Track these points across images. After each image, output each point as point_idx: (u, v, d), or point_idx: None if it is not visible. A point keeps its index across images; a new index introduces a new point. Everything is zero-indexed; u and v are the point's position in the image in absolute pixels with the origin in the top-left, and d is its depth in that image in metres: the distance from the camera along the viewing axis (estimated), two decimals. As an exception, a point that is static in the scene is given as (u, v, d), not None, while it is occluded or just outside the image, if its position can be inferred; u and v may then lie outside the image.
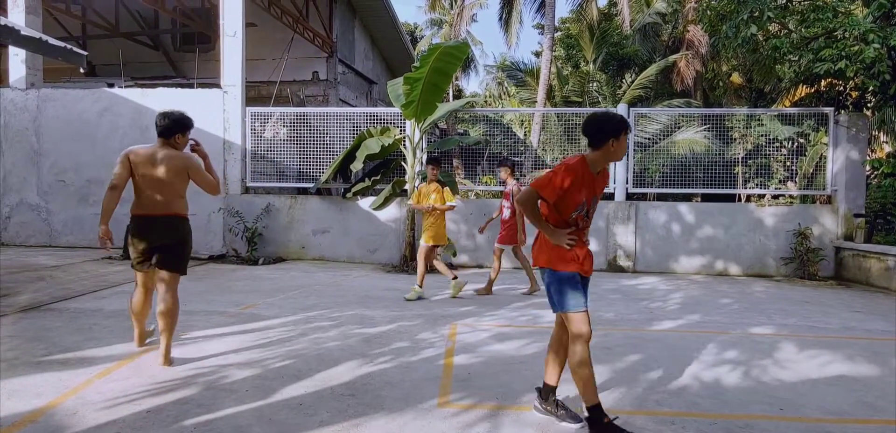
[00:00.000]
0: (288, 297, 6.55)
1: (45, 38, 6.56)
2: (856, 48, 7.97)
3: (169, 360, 3.94)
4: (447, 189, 6.87)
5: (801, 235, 8.91)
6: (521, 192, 2.99)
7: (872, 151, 13.48)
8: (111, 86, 11.20)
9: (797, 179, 9.87)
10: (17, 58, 10.64)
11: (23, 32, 6.47)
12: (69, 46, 6.99)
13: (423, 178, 7.61)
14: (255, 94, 13.19)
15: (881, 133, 14.84)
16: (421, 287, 6.63)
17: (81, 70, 9.13)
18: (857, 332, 5.37)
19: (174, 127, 4.10)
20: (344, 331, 5.04)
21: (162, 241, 4.00)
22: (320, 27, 13.91)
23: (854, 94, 9.40)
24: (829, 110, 9.20)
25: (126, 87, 11.28)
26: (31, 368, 3.82)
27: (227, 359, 4.11)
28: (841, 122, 9.07)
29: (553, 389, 3.23)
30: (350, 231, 9.91)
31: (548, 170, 11.50)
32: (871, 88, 8.57)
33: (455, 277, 6.75)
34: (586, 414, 3.00)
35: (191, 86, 11.84)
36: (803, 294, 7.53)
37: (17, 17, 10.26)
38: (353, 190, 9.72)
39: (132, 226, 4.06)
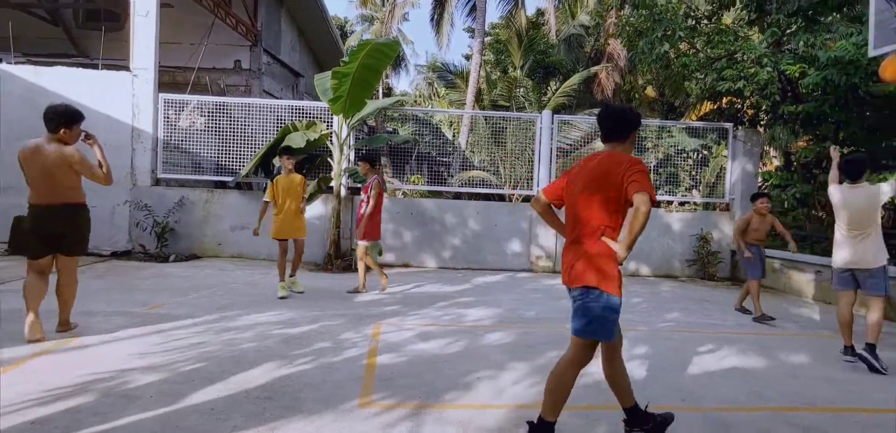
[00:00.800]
0: (201, 296, 6.18)
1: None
2: (752, 70, 8.77)
3: (70, 325, 4.43)
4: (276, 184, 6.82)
5: (702, 240, 9.67)
6: (647, 199, 2.47)
7: (764, 165, 14.89)
8: (-1, 61, 10.04)
9: (701, 188, 10.71)
10: None
11: None
12: (-55, 13, 6.19)
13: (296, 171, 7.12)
14: (170, 79, 12.35)
15: (771, 148, 16.43)
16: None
17: (-39, 41, 8.11)
18: (749, 329, 5.90)
19: (57, 120, 4.23)
20: (262, 331, 4.83)
21: (60, 229, 4.25)
22: (244, 14, 13.27)
23: (750, 111, 10.34)
24: (728, 125, 10.05)
25: (16, 63, 10.15)
26: None
27: (129, 363, 3.81)
28: (738, 136, 9.94)
29: (634, 407, 2.97)
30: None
31: (475, 171, 11.49)
32: (763, 107, 9.46)
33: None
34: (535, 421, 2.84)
35: (95, 66, 10.86)
36: (703, 293, 8.17)
37: None
38: (276, 185, 9.33)
39: (30, 216, 4.25)
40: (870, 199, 4.51)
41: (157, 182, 9.49)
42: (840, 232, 4.67)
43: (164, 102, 9.54)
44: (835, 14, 8.90)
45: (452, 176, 11.94)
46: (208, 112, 9.82)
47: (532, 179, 10.10)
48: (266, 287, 7.04)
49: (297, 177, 6.76)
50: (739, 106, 10.40)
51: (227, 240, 9.46)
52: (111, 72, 9.55)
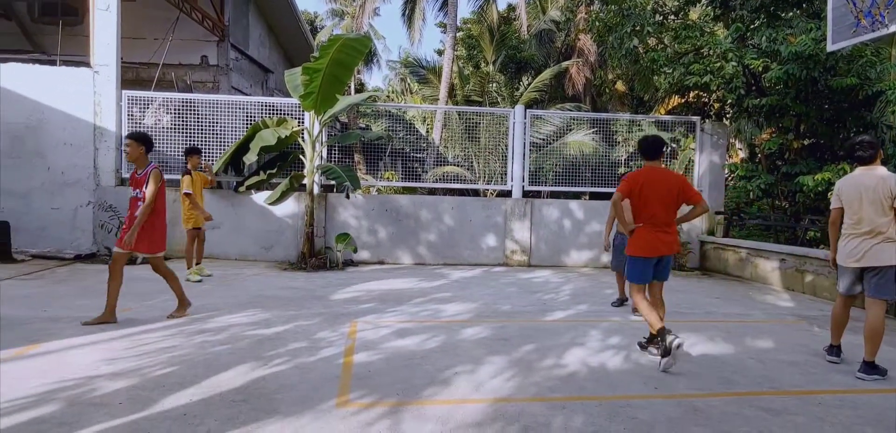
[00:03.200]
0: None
1: None
2: (718, 64, 9.00)
3: None
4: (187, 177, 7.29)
5: (672, 231, 9.88)
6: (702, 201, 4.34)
7: (730, 157, 15.33)
8: (-52, 57, 9.54)
9: (670, 180, 10.97)
10: None
11: None
12: None
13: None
14: (134, 76, 11.95)
15: (737, 140, 16.90)
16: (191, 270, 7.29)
17: None
18: (717, 316, 6.07)
19: None
20: (235, 333, 4.73)
21: None
22: (210, 9, 12.93)
23: (716, 105, 10.61)
24: (696, 119, 10.30)
25: (-32, 59, 9.66)
26: None
27: (96, 370, 3.68)
28: (705, 129, 10.19)
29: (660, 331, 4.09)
30: (243, 227, 9.34)
31: (449, 166, 11.54)
32: (729, 101, 9.72)
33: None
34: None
35: (53, 63, 10.43)
36: (673, 283, 8.36)
37: None
38: (247, 183, 9.16)
39: None
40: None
41: (122, 182, 9.19)
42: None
43: (128, 99, 9.24)
44: (795, 10, 9.20)
45: (427, 172, 11.92)
46: (174, 109, 9.55)
47: (506, 174, 10.16)
48: (239, 287, 6.90)
49: (203, 174, 7.74)
50: (706, 100, 10.67)
51: (197, 240, 9.22)
52: (70, 68, 9.18)
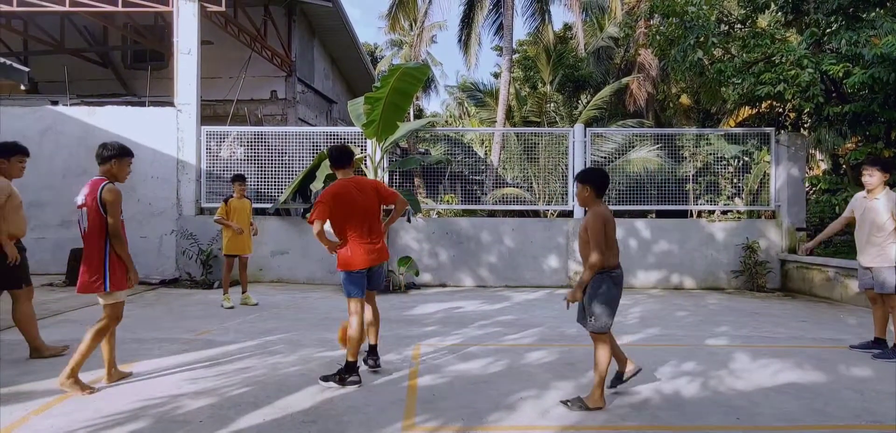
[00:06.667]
0: (245, 322, 6.33)
1: (-19, 53, 6.20)
2: (792, 72, 8.48)
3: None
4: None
5: (748, 249, 9.32)
6: None
7: (810, 169, 14.32)
8: (55, 103, 10.66)
9: (744, 195, 10.36)
10: (-51, 74, 9.99)
11: (-44, 47, 6.08)
12: (10, 62, 6.63)
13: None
14: (211, 112, 12.84)
15: (817, 151, 15.78)
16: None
17: (22, 87, 8.65)
18: (805, 341, 5.63)
19: None
20: (304, 355, 4.90)
21: None
22: (279, 46, 13.73)
23: (792, 115, 9.98)
24: (770, 130, 9.73)
25: (71, 104, 10.76)
26: (-39, 407, 3.53)
27: (180, 389, 3.92)
28: (781, 141, 9.60)
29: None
30: (310, 252, 9.70)
31: (509, 188, 11.53)
32: (806, 110, 9.12)
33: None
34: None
35: (143, 104, 11.40)
36: (753, 305, 7.86)
37: (-50, 30, 9.66)
38: (314, 210, 9.53)
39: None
40: None
41: (201, 211, 9.83)
42: None
43: (206, 134, 9.92)
44: (877, 9, 8.54)
45: (486, 194, 11.93)
46: (247, 142, 10.15)
47: (567, 194, 9.99)
48: (308, 310, 7.15)
49: (247, 202, 7.61)
50: (780, 110, 10.05)
51: (268, 265, 9.68)
52: (157, 108, 10.01)
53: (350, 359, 4.04)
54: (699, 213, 10.34)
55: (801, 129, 9.90)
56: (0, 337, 5.38)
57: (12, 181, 4.64)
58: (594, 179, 3.72)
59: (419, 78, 8.25)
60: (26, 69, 6.87)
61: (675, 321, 6.55)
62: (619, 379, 3.90)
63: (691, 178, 10.33)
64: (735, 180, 10.43)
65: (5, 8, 10.16)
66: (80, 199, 3.91)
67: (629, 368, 3.85)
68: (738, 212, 10.07)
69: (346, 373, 4.00)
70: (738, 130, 10.47)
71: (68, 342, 5.03)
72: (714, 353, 5.03)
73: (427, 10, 21.25)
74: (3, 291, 4.66)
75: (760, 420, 3.46)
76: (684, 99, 19.23)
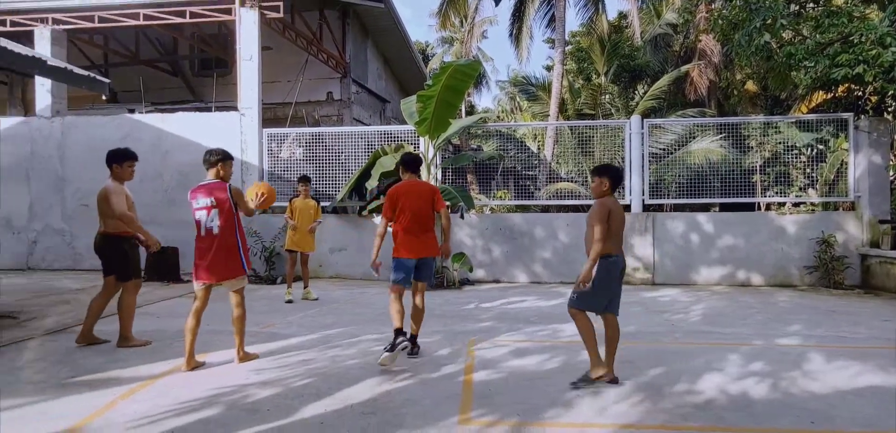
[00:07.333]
0: (306, 316, 6.58)
1: (69, 67, 6.76)
2: (874, 52, 7.85)
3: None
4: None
5: (824, 243, 8.73)
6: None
7: (895, 156, 13.23)
8: (132, 111, 11.46)
9: (818, 186, 9.71)
10: (43, 87, 10.96)
11: (49, 62, 6.67)
12: (92, 75, 7.19)
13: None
14: (271, 115, 13.39)
15: (903, 137, 14.55)
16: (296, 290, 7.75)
17: (104, 97, 9.38)
18: (888, 342, 5.23)
19: (107, 160, 5.16)
20: (363, 348, 5.04)
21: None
22: (334, 48, 14.12)
23: (873, 98, 9.25)
24: (848, 116, 9.06)
25: (146, 112, 11.53)
26: (58, 390, 3.88)
27: (248, 379, 4.14)
28: (861, 127, 8.92)
29: None
30: (366, 249, 9.94)
31: (562, 182, 11.40)
32: (891, 92, 8.43)
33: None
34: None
35: (209, 109, 12.06)
36: (829, 303, 7.36)
37: (43, 48, 10.58)
38: (369, 207, 9.78)
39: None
40: None
41: (264, 210, 10.28)
42: None
43: (268, 136, 10.36)
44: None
45: (539, 189, 11.81)
46: (305, 142, 10.52)
47: (624, 188, 9.73)
48: (365, 305, 7.34)
49: (312, 202, 7.89)
50: (860, 93, 9.34)
51: (327, 261, 10.01)
52: (222, 113, 10.57)
53: (397, 325, 4.53)
54: (768, 206, 9.80)
55: (885, 114, 9.16)
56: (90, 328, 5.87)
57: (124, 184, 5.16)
58: (611, 174, 3.99)
59: (470, 74, 8.27)
60: (107, 80, 7.43)
61: (741, 319, 6.25)
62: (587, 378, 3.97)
63: (759, 168, 9.80)
64: (808, 170, 9.80)
65: (88, 25, 11.01)
66: (203, 203, 4.37)
67: (599, 373, 3.93)
68: (812, 204, 9.46)
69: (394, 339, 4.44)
70: (812, 117, 9.83)
71: (151, 336, 5.42)
72: (785, 353, 4.77)
73: (477, 6, 21.24)
74: (115, 283, 5.15)
75: (838, 424, 3.25)
76: (750, 85, 18.22)
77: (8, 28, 10.78)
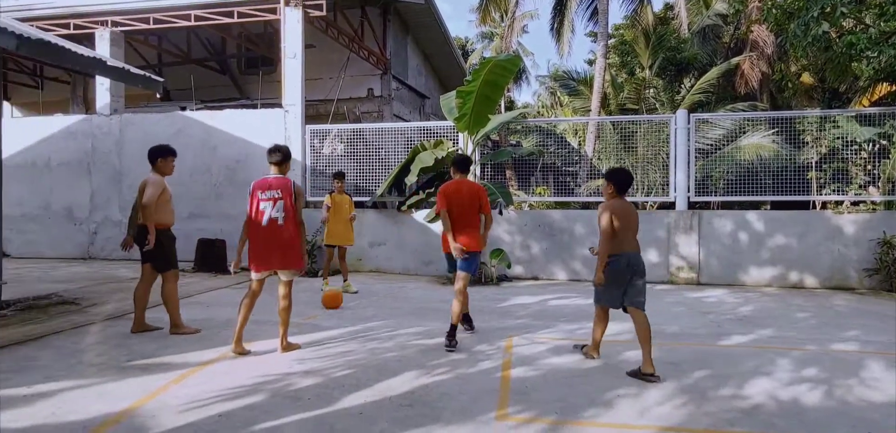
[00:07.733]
0: (346, 308, 6.71)
1: (127, 67, 7.11)
2: (945, 41, 7.34)
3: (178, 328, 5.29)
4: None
5: (886, 244, 8.22)
6: None
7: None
8: (183, 109, 11.96)
9: (880, 184, 9.14)
10: (102, 86, 11.57)
11: (109, 63, 7.04)
12: (148, 74, 7.54)
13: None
14: (314, 112, 13.68)
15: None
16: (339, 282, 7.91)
17: (158, 95, 9.82)
18: (957, 350, 4.89)
19: (149, 155, 5.44)
20: (401, 341, 5.11)
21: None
22: (375, 45, 14.29)
23: (944, 90, 8.64)
24: (915, 109, 8.49)
25: (196, 109, 12.00)
26: (117, 373, 4.11)
27: (291, 368, 4.26)
28: (930, 121, 8.35)
29: None
30: (405, 243, 10.04)
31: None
32: (964, 83, 7.85)
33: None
34: None
35: (255, 106, 12.45)
36: (891, 308, 6.94)
37: (102, 49, 11.17)
38: (408, 203, 9.87)
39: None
40: None
41: (306, 204, 10.53)
42: None
43: (310, 133, 10.61)
44: None
45: (580, 185, 11.62)
46: (347, 138, 10.71)
47: (668, 184, 9.45)
48: (404, 299, 7.43)
49: (346, 196, 8.11)
50: (929, 84, 8.74)
51: (367, 255, 10.17)
52: (267, 109, 10.89)
53: (455, 321, 4.96)
54: (823, 204, 9.32)
55: (956, 106, 8.54)
56: (146, 314, 6.17)
57: (165, 178, 5.39)
58: (615, 178, 4.34)
59: (510, 69, 8.22)
60: (161, 79, 7.78)
61: (792, 322, 5.98)
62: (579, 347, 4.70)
63: (814, 165, 9.31)
64: (869, 167, 9.25)
65: (144, 26, 11.54)
66: (270, 195, 4.55)
67: (590, 352, 4.54)
68: (873, 202, 8.94)
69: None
70: (874, 110, 9.26)
71: (199, 324, 5.65)
72: (841, 360, 4.53)
73: (518, 1, 20.99)
74: (152, 271, 5.41)
75: (899, 436, 3.08)
76: (806, 78, 17.34)
77: (71, 31, 11.43)
